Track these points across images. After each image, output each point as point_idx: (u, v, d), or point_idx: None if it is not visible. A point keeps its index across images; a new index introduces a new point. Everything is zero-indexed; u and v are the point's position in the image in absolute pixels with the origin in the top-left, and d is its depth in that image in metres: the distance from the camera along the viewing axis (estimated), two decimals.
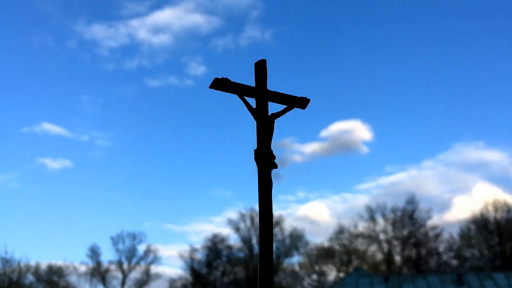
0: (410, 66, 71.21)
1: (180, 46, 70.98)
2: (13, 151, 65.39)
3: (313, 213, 65.71)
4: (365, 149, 68.26)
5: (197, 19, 68.10)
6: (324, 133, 69.58)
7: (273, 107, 6.99)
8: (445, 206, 71.72)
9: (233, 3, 70.57)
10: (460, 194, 70.74)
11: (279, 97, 7.09)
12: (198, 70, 66.47)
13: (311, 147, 69.15)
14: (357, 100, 70.80)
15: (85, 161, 69.68)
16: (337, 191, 74.82)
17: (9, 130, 66.80)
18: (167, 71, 72.07)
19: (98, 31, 69.27)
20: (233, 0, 70.61)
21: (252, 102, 6.92)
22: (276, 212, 67.12)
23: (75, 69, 69.72)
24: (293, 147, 66.17)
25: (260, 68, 7.17)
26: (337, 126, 68.53)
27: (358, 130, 67.13)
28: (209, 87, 6.70)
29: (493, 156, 67.30)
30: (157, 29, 71.09)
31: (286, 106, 7.09)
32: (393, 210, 55.65)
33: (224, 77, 6.69)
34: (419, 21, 71.59)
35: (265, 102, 6.94)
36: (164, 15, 70.13)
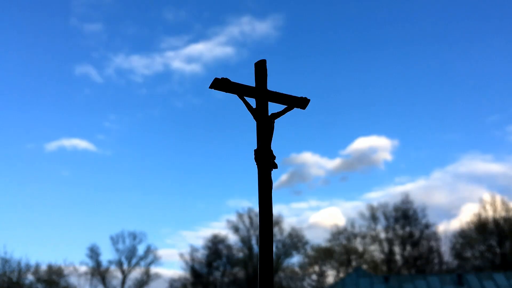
0: (423, 82, 73.72)
1: (209, 74, 75.70)
2: (42, 164, 69.75)
3: (324, 220, 66.46)
4: (384, 163, 70.79)
5: (228, 51, 72.54)
6: (349, 148, 73.17)
7: (273, 108, 6.99)
8: (452, 215, 73.57)
9: (262, 37, 74.74)
10: (467, 203, 72.14)
11: (279, 97, 7.07)
12: (222, 93, 68.91)
13: (334, 163, 72.31)
14: (381, 116, 73.54)
15: (105, 173, 73.53)
16: (348, 199, 77.31)
17: (40, 144, 71.36)
18: (193, 94, 76.90)
19: (135, 60, 75.32)
20: (263, 35, 74.93)
21: (252, 102, 6.91)
22: (291, 219, 69.73)
23: (108, 92, 74.86)
24: (318, 162, 70.01)
25: (260, 68, 7.15)
26: (362, 142, 70.73)
27: (381, 145, 69.36)
28: (209, 87, 6.69)
29: (501, 168, 68.52)
30: (190, 60, 75.94)
31: (286, 106, 7.08)
32: (395, 210, 55.84)
33: (224, 77, 6.69)
34: (430, 34, 73.36)
35: (265, 102, 6.93)
36: (198, 47, 75.33)
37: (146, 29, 76.72)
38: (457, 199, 71.54)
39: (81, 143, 72.08)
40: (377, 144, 69.64)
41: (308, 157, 70.04)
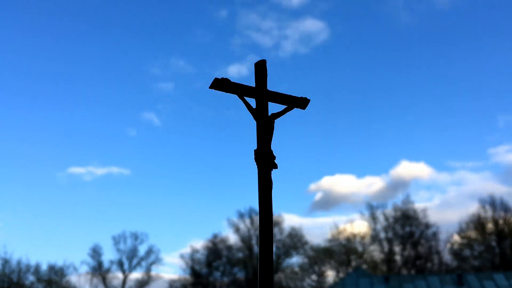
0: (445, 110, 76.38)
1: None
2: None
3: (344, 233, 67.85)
4: (416, 185, 73.49)
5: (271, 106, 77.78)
6: (390, 172, 74.96)
7: (273, 108, 7.00)
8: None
9: (309, 91, 78.66)
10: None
11: (279, 97, 7.07)
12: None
13: (373, 188, 73.74)
14: (422, 143, 75.66)
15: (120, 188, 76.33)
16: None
17: (89, 169, 75.93)
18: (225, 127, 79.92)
19: (194, 108, 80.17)
20: (310, 90, 79.06)
21: (252, 102, 6.92)
22: (313, 231, 71.67)
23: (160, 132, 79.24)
24: (357, 184, 72.23)
25: (260, 68, 7.16)
26: (403, 166, 72.01)
27: (415, 170, 71.31)
28: (209, 87, 6.69)
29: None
30: (243, 107, 79.85)
31: (286, 106, 7.09)
32: (394, 210, 55.88)
33: (224, 77, 6.69)
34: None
35: (265, 103, 6.94)
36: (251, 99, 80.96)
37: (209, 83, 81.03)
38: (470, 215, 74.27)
39: (122, 171, 76.41)
40: (413, 169, 72.04)
41: (350, 179, 72.62)
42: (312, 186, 73.49)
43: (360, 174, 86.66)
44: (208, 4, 79.54)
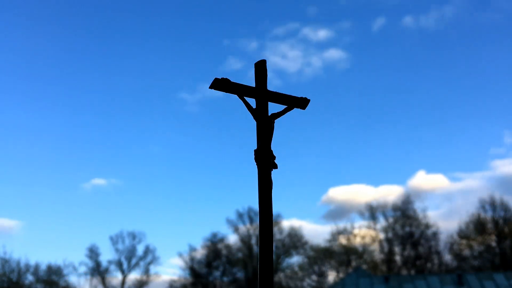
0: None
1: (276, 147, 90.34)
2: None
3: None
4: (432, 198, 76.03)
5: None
6: (408, 183, 77.66)
7: (273, 108, 6.99)
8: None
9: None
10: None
11: (279, 97, 7.06)
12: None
13: (390, 198, 74.05)
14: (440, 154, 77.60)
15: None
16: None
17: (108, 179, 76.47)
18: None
19: (213, 127, 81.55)
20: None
21: (252, 102, 6.90)
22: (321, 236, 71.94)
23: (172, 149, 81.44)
24: (372, 194, 72.59)
25: (260, 68, 7.15)
26: (420, 177, 72.76)
27: (435, 183, 72.03)
28: (209, 87, 6.67)
29: None
30: None
31: (286, 106, 7.07)
32: (394, 209, 55.88)
33: (224, 77, 6.67)
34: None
35: (265, 103, 6.92)
36: None
37: (233, 103, 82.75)
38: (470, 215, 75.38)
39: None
40: (429, 179, 72.98)
41: (366, 189, 72.97)
42: (328, 195, 74.70)
43: (377, 183, 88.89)
44: (240, 37, 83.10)
